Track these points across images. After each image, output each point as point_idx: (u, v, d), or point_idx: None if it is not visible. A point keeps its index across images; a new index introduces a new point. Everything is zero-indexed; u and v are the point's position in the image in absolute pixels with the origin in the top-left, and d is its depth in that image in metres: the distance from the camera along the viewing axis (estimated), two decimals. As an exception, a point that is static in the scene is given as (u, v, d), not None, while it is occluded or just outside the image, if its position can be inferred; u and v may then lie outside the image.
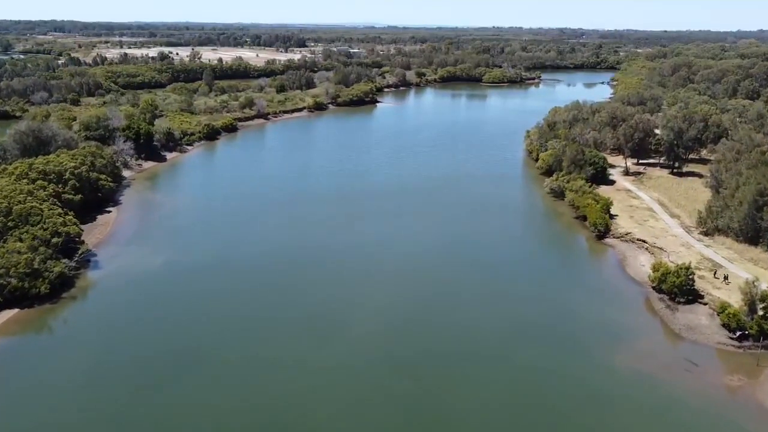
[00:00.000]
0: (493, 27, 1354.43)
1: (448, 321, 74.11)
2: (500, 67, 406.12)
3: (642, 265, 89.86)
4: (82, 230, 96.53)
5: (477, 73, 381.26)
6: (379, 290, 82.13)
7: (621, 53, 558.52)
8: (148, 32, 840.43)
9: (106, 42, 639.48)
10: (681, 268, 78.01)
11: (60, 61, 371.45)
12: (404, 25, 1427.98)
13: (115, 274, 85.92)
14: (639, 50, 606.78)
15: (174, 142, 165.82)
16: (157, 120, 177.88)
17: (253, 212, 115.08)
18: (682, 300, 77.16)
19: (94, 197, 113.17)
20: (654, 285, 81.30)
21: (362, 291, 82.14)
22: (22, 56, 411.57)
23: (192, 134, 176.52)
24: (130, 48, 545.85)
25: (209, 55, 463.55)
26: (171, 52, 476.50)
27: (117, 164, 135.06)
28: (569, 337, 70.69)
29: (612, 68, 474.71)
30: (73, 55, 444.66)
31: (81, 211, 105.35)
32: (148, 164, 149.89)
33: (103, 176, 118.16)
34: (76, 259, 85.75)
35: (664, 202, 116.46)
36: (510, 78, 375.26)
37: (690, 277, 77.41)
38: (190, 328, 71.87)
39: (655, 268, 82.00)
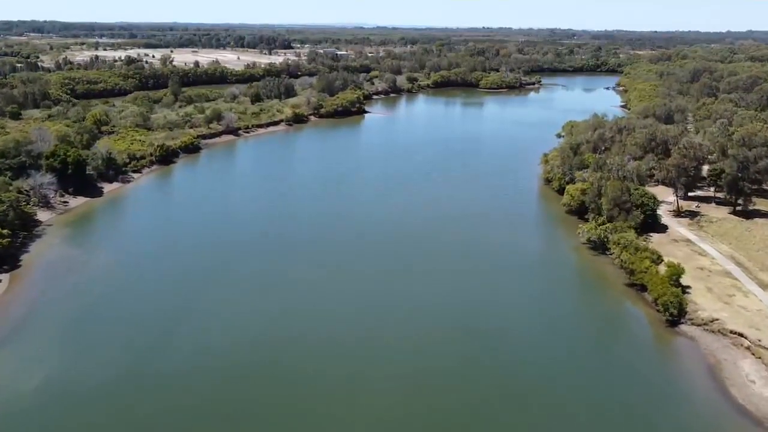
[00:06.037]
0: (483, 27, 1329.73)
1: None
2: (497, 71, 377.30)
3: (751, 380, 61.44)
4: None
5: (473, 77, 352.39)
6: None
7: (621, 55, 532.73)
8: (129, 33, 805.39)
9: (82, 44, 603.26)
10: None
11: (19, 65, 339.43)
12: (393, 26, 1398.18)
13: (-38, 409, 56.45)
14: (640, 52, 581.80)
15: (116, 170, 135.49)
16: (99, 141, 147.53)
17: (198, 279, 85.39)
18: None
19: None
20: (786, 428, 53.10)
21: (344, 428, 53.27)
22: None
23: (141, 158, 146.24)
24: (105, 50, 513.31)
25: (188, 57, 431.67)
26: (147, 55, 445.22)
27: (29, 205, 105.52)
28: None
29: (613, 71, 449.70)
30: (41, 57, 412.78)
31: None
32: (77, 201, 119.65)
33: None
34: None
35: (742, 261, 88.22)
36: (509, 83, 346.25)
37: None
38: None
39: (787, 403, 53.69)
